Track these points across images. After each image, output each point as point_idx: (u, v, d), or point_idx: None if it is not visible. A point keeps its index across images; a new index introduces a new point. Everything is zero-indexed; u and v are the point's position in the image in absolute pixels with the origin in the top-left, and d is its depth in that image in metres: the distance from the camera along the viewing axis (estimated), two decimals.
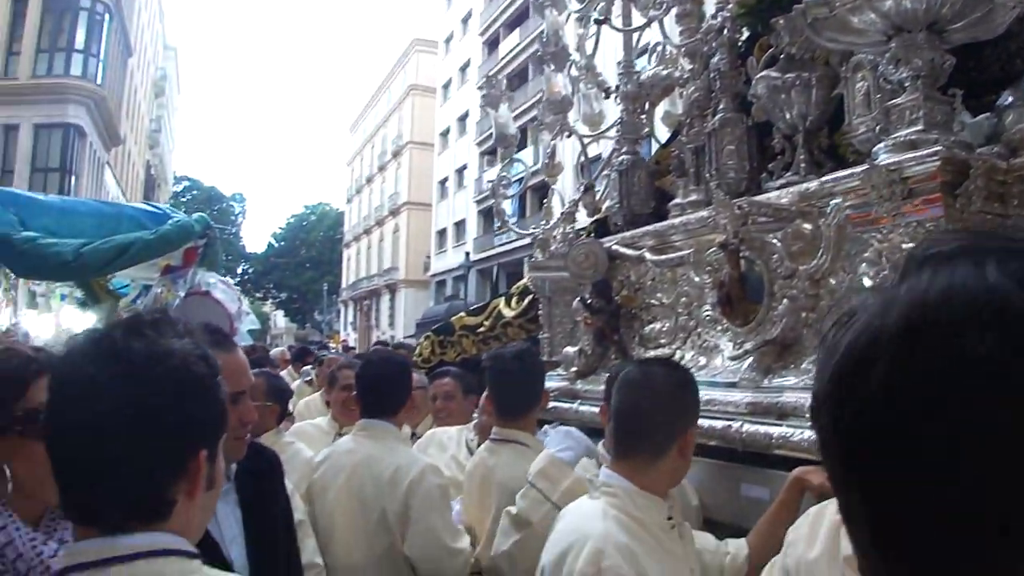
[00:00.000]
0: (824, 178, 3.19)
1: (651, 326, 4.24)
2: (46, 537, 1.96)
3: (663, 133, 5.84)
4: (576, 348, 4.58)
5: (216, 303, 7.84)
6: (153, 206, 9.19)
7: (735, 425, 3.16)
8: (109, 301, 10.21)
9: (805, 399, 2.94)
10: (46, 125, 28.99)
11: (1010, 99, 3.06)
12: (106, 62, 31.51)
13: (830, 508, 2.44)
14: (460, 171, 49.45)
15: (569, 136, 5.76)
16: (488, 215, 41.86)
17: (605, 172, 5.50)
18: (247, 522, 2.91)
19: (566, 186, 8.19)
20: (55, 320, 11.38)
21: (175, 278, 8.00)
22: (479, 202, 43.88)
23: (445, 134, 52.45)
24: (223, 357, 2.78)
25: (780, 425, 2.98)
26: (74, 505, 1.41)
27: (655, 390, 2.64)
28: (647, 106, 5.40)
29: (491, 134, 6.33)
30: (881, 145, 2.87)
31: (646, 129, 5.38)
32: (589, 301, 4.45)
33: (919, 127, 2.80)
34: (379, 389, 4.07)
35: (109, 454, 1.35)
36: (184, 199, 74.33)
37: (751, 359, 3.36)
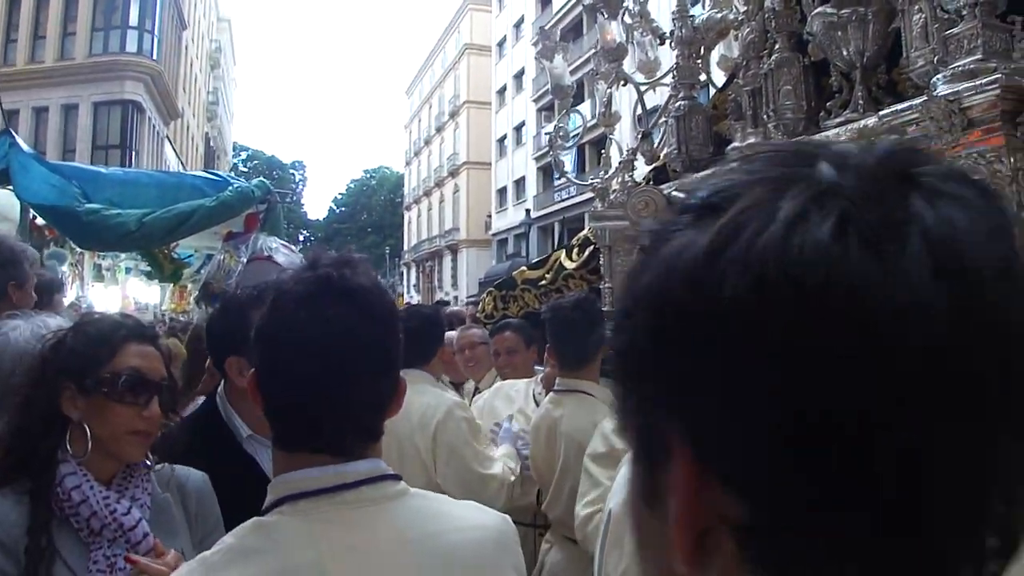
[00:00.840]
0: (882, 112, 3.16)
1: None
2: (119, 496, 2.02)
3: (719, 78, 5.79)
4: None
5: (279, 267, 7.94)
6: (213, 173, 9.31)
7: None
8: (174, 271, 10.39)
9: None
10: (105, 103, 29.35)
11: None
12: (160, 37, 31.76)
13: None
14: (518, 128, 49.19)
15: (625, 85, 5.74)
16: (547, 172, 41.71)
17: (662, 119, 5.47)
18: None
19: (624, 136, 8.14)
20: (121, 292, 11.62)
21: (237, 244, 8.11)
22: (538, 159, 43.66)
23: (502, 92, 52.16)
24: None
25: None
26: (306, 433, 1.45)
27: None
28: (702, 51, 5.36)
29: (547, 89, 6.32)
30: (939, 76, 2.84)
31: (702, 74, 5.34)
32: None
33: (978, 56, 2.76)
34: (408, 340, 4.13)
35: (358, 387, 1.43)
36: (244, 169, 75.03)
37: None
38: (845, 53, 3.81)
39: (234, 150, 79.91)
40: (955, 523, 0.53)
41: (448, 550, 1.44)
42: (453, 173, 58.42)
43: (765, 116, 4.20)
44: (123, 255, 10.40)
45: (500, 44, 52.62)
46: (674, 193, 4.52)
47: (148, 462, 2.12)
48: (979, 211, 0.55)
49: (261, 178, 9.45)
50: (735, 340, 0.53)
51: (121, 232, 7.01)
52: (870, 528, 0.51)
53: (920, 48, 3.27)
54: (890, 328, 0.51)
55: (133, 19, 30.51)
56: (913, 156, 0.57)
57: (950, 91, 2.71)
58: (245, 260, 7.85)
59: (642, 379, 0.61)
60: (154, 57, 31.08)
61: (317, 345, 1.41)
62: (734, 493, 0.54)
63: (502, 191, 51.34)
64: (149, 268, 10.67)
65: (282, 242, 8.42)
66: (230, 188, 7.81)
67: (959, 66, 2.77)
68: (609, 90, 5.70)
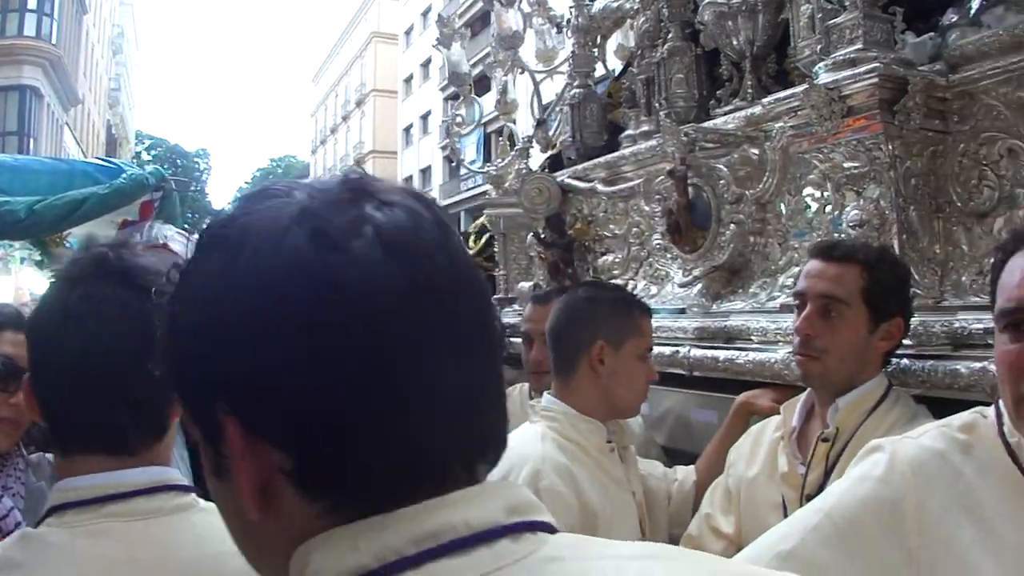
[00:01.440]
0: (766, 100, 3.18)
1: (604, 258, 4.25)
2: None
3: (617, 67, 5.80)
4: (531, 283, 4.57)
5: (175, 255, 7.76)
6: (107, 160, 9.07)
7: (683, 350, 3.17)
8: None
9: (751, 322, 2.96)
10: (1, 88, 28.47)
11: (954, 18, 3.04)
12: (60, 21, 30.89)
13: (770, 427, 2.46)
14: (424, 118, 49.03)
15: (522, 73, 5.72)
16: (453, 161, 41.65)
17: (558, 107, 5.46)
18: (194, 464, 2.92)
19: (526, 125, 8.12)
20: (15, 283, 11.26)
21: (131, 232, 7.91)
22: (444, 148, 43.57)
23: (408, 81, 51.92)
24: None
25: (726, 348, 3.00)
26: (78, 430, 1.33)
27: (564, 308, 2.65)
28: (599, 39, 5.35)
29: None
30: (821, 65, 2.86)
31: (598, 63, 5.34)
32: (543, 235, 4.45)
33: (858, 45, 2.78)
34: None
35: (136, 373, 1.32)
36: (147, 157, 73.31)
37: (700, 285, 3.38)
38: (735, 43, 3.83)
39: (137, 138, 77.99)
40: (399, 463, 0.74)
41: (230, 573, 1.26)
42: (359, 161, 57.87)
43: (657, 104, 4.21)
44: (16, 244, 10.08)
45: (407, 32, 52.35)
46: (567, 180, 4.52)
47: (22, 451, 2.05)
48: (416, 211, 0.79)
49: (156, 165, 9.24)
50: (251, 332, 0.73)
51: (10, 220, 6.76)
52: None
53: (807, 38, 3.30)
54: (357, 295, 0.72)
55: (32, 2, 29.61)
56: (366, 179, 0.81)
57: (830, 79, 2.72)
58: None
59: (189, 374, 0.79)
60: (53, 41, 30.20)
61: (83, 325, 1.31)
62: (278, 447, 0.73)
63: (408, 180, 51.09)
64: (41, 258, 10.36)
65: (177, 230, 8.23)
66: (123, 175, 7.58)
67: (840, 55, 2.79)
68: (505, 78, 5.67)
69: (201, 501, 1.37)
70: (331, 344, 0.72)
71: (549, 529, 0.79)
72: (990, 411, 1.62)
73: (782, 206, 3.17)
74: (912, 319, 2.35)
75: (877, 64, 2.64)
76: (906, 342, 2.37)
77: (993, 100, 2.60)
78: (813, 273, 2.28)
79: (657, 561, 0.77)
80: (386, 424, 0.74)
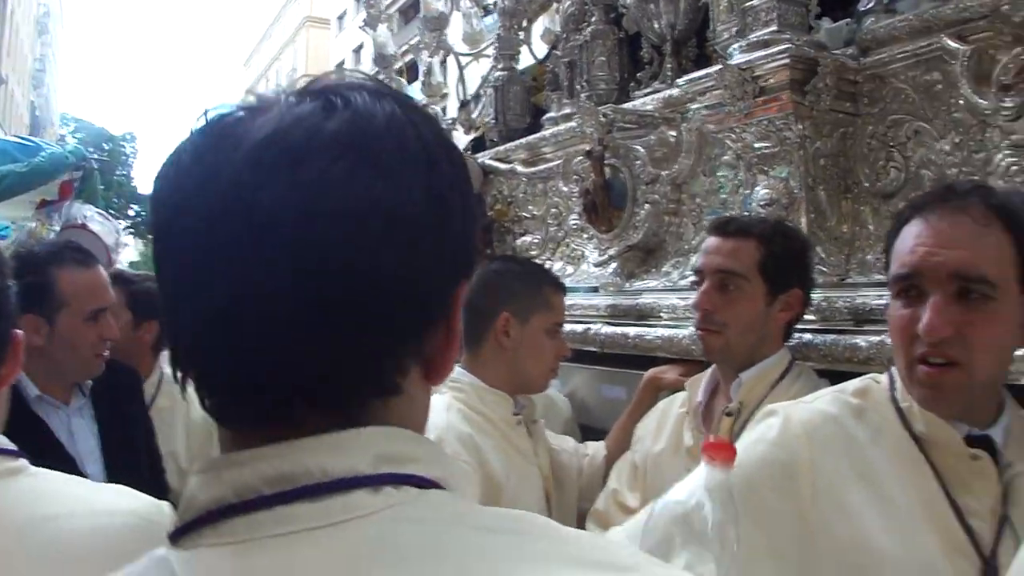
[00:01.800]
0: (681, 80, 3.20)
1: (523, 238, 4.25)
2: None
3: (542, 51, 5.80)
4: None
5: (93, 235, 7.62)
6: (24, 139, 8.87)
7: (594, 328, 3.19)
8: None
9: (662, 300, 2.98)
10: None
11: (870, 4, 3.09)
12: None
13: (676, 403, 2.48)
14: None
15: (448, 56, 5.70)
16: None
17: (482, 89, 5.45)
18: (104, 439, 2.86)
19: (454, 110, 8.09)
20: None
21: (50, 212, 7.76)
22: None
23: (340, 67, 51.63)
24: (83, 274, 2.71)
25: (637, 326, 3.02)
26: None
27: (475, 281, 2.65)
28: (525, 23, 5.35)
29: None
30: (735, 46, 2.88)
31: (524, 45, 5.34)
32: None
33: (773, 28, 2.81)
34: None
35: None
36: (73, 140, 71.76)
37: (615, 264, 3.39)
38: (657, 26, 3.85)
39: (62, 120, 76.32)
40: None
41: (64, 536, 1.23)
42: None
43: (579, 87, 4.22)
44: None
45: (340, 18, 51.99)
46: (488, 161, 4.51)
47: None
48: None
49: (77, 144, 9.06)
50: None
51: None
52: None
53: (726, 22, 3.32)
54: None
55: None
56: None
57: (744, 60, 2.75)
58: (58, 228, 7.50)
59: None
60: None
61: None
62: None
63: None
64: None
65: (98, 211, 8.08)
66: (42, 153, 7.43)
67: (755, 37, 2.82)
68: (430, 60, 5.64)
69: (32, 467, 1.32)
70: None
71: (425, 484, 0.76)
72: (883, 377, 1.65)
73: (697, 186, 3.19)
74: (816, 295, 2.38)
75: (789, 45, 2.66)
76: (810, 317, 2.41)
77: (902, 83, 2.64)
78: (710, 249, 2.31)
79: (518, 538, 0.74)
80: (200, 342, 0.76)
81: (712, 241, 2.32)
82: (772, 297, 2.24)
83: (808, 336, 2.39)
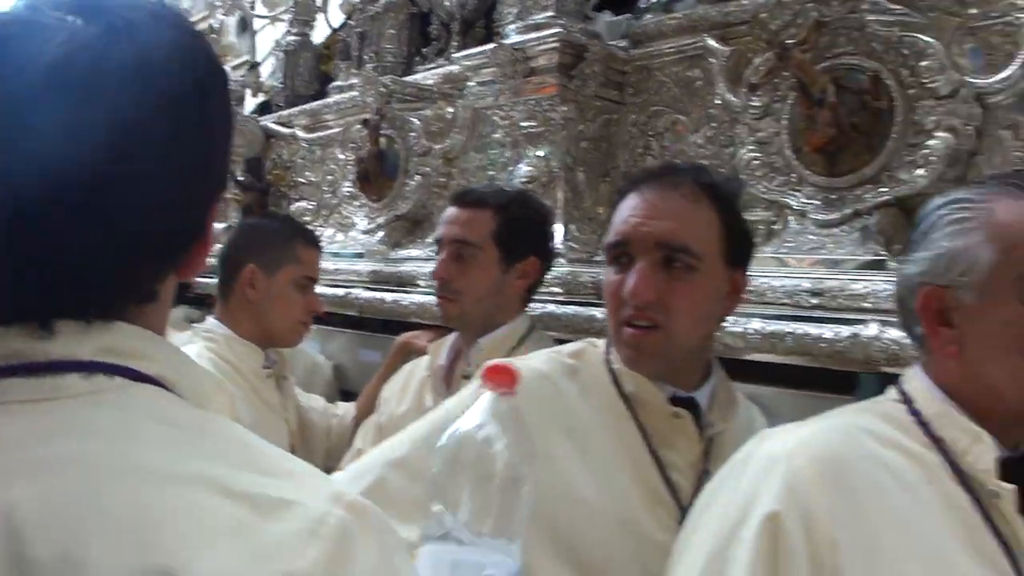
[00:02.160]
0: (456, 56, 3.26)
1: (298, 204, 4.22)
2: None
3: (340, 20, 5.76)
4: (224, 225, 4.48)
5: None
6: None
7: (354, 292, 3.21)
8: None
9: (422, 268, 3.03)
10: None
11: (647, 2, 3.22)
12: None
13: (421, 366, 2.52)
14: None
15: (241, 16, 5.61)
16: None
17: (273, 53, 5.38)
18: None
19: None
20: None
21: None
22: None
23: None
24: None
25: (394, 291, 3.06)
26: None
27: (228, 235, 2.66)
28: None
29: None
30: (512, 27, 2.95)
31: (320, 12, 5.29)
32: (240, 178, 4.36)
33: (550, 13, 2.89)
34: None
35: None
36: None
37: (382, 233, 3.42)
38: (447, 3, 3.89)
39: None
40: None
41: None
42: None
43: (367, 58, 4.22)
44: None
45: None
46: (270, 125, 4.46)
47: None
48: None
49: None
50: None
51: None
52: None
53: (511, 4, 3.39)
54: None
55: None
56: None
57: (517, 40, 2.82)
58: None
59: None
60: None
61: None
62: None
63: None
64: None
65: None
66: None
67: (531, 20, 2.89)
68: (222, 18, 5.54)
69: None
70: None
71: (142, 378, 0.82)
72: (602, 342, 1.73)
73: (468, 162, 3.25)
74: (564, 269, 2.47)
75: (560, 30, 2.74)
76: (556, 290, 2.50)
77: (665, 77, 2.77)
78: (448, 219, 2.36)
79: (199, 436, 0.81)
80: None
81: (450, 211, 2.37)
82: (507, 265, 2.29)
83: (552, 307, 2.48)
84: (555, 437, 1.58)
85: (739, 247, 1.63)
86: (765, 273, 2.15)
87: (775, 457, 1.26)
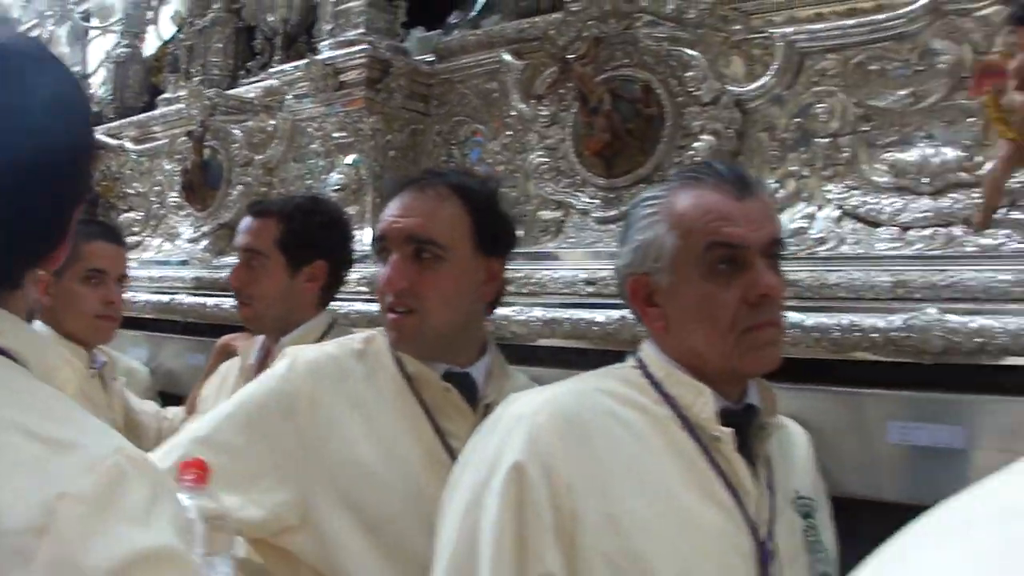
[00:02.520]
0: (274, 69, 3.40)
1: (127, 215, 4.28)
2: None
3: (170, 32, 5.79)
4: None
5: None
6: None
7: (177, 298, 3.32)
8: None
9: None
10: None
11: (456, 19, 3.41)
12: None
13: (235, 366, 2.66)
14: None
15: (72, 26, 5.58)
16: None
17: (103, 64, 5.39)
18: None
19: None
20: None
21: None
22: None
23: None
24: None
25: (216, 296, 3.19)
26: None
27: None
28: (156, 1, 5.34)
29: None
30: (326, 43, 3.11)
31: (151, 24, 5.32)
32: None
33: (361, 30, 3.05)
34: None
35: None
36: None
37: (206, 241, 3.53)
38: (271, 19, 4.01)
39: None
40: None
41: None
42: None
43: (194, 70, 4.30)
44: None
45: None
46: (99, 137, 4.50)
47: None
48: None
49: None
50: None
51: None
52: None
53: (327, 22, 3.54)
54: None
55: None
56: None
57: (329, 56, 2.98)
58: None
59: None
60: None
61: None
62: None
63: None
64: None
65: None
66: None
67: (343, 37, 3.05)
68: (53, 28, 5.51)
69: None
70: None
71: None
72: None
73: (288, 171, 3.39)
74: (371, 268, 2.64)
75: (367, 46, 2.92)
76: (363, 289, 2.67)
77: (466, 89, 2.97)
78: (241, 229, 2.52)
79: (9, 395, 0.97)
80: None
81: (244, 221, 2.53)
82: (294, 270, 2.44)
83: (359, 305, 2.65)
84: (344, 411, 1.79)
85: (492, 239, 1.84)
86: (548, 266, 2.38)
87: (520, 416, 1.47)
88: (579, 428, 1.45)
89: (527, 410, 1.48)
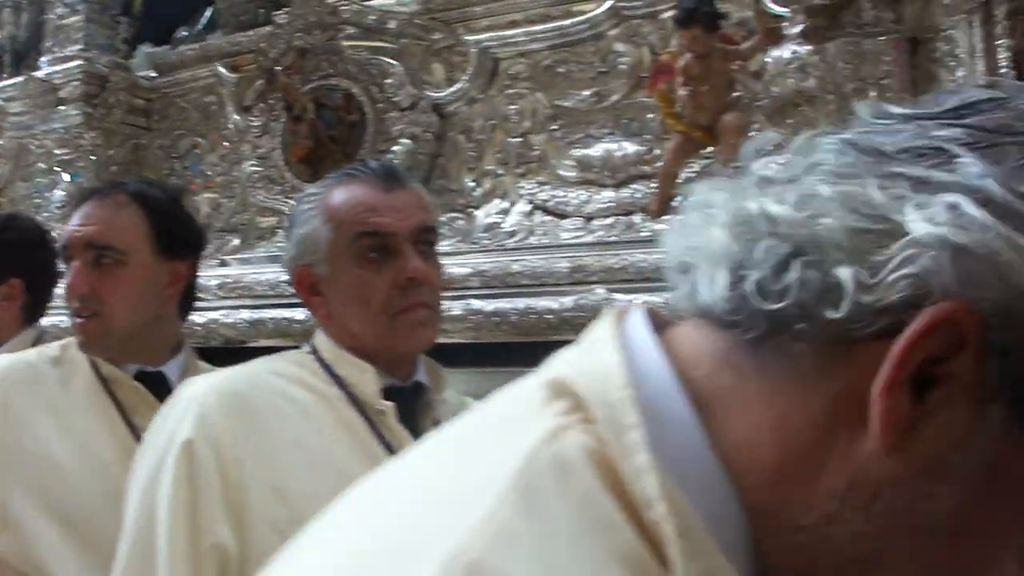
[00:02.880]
0: None
1: None
2: None
3: None
4: None
5: None
6: None
7: None
8: None
9: None
10: None
11: (184, 33, 3.43)
12: None
13: None
14: None
15: None
16: None
17: None
18: None
19: None
20: None
21: None
22: None
23: None
24: None
25: None
26: None
27: None
28: None
29: None
30: (45, 59, 3.09)
31: None
32: None
33: (80, 46, 3.05)
34: None
35: None
36: None
37: None
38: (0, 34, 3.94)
39: None
40: None
41: None
42: None
43: None
44: None
45: None
46: None
47: None
48: None
49: None
50: None
51: None
52: None
53: (48, 39, 3.49)
54: None
55: None
56: None
57: (45, 72, 2.97)
58: None
59: None
60: None
61: None
62: None
63: None
64: None
65: None
66: None
67: (61, 53, 3.05)
68: None
69: None
70: None
71: None
72: None
73: (17, 191, 3.34)
74: None
75: (83, 62, 2.93)
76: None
77: (186, 103, 3.02)
78: None
79: None
80: None
81: None
82: None
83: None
84: (38, 415, 1.83)
85: (174, 242, 1.90)
86: (254, 270, 2.45)
87: (192, 398, 1.56)
88: (247, 406, 1.54)
89: (198, 391, 1.57)
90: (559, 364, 0.56)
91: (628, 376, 0.51)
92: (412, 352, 1.68)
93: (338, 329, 1.66)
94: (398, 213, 1.61)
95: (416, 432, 1.65)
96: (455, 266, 2.27)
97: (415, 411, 1.66)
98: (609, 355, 0.53)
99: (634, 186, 2.25)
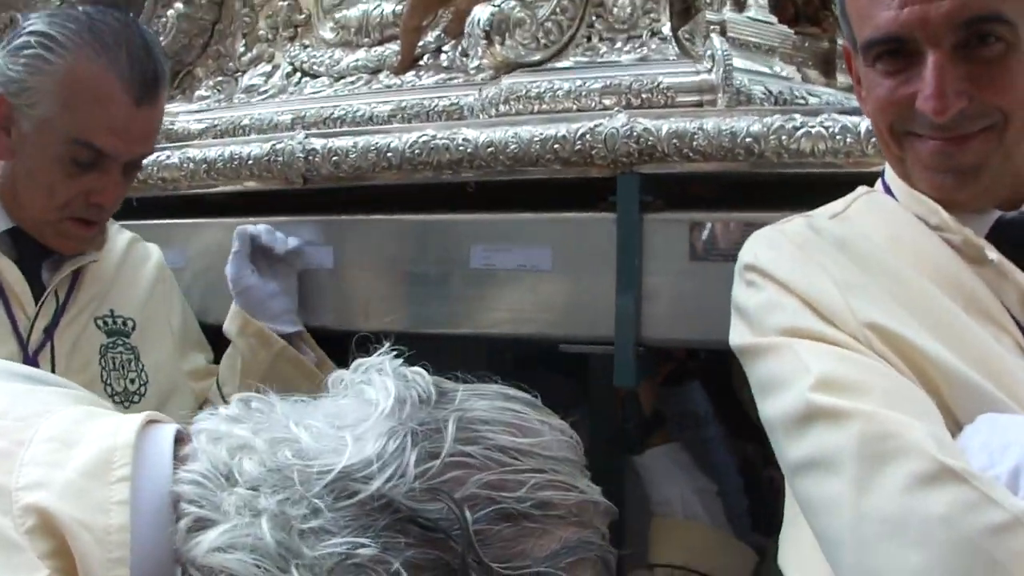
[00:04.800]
0: None
1: None
2: None
3: None
4: None
5: None
6: None
7: None
8: None
9: None
10: None
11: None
12: None
13: None
14: None
15: None
16: None
17: None
18: None
19: None
20: None
21: None
22: None
23: None
24: None
25: None
26: None
27: None
28: None
29: None
30: None
31: None
32: None
33: None
34: None
35: None
36: None
37: None
38: None
39: None
40: None
41: None
42: None
43: None
44: None
45: None
46: None
47: None
48: None
49: None
50: None
51: None
52: None
53: None
54: None
55: None
56: None
57: None
58: None
59: None
60: None
61: None
62: None
63: None
64: None
65: None
66: None
67: None
68: None
69: None
70: None
71: None
72: None
73: None
74: None
75: None
76: None
77: None
78: None
79: None
80: None
81: None
82: None
83: None
84: None
85: None
86: None
87: None
88: None
89: None
90: None
91: None
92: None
93: (9, 183, 1.56)
94: (131, 138, 1.52)
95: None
96: (194, 122, 2.33)
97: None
98: None
99: (390, 45, 2.23)
